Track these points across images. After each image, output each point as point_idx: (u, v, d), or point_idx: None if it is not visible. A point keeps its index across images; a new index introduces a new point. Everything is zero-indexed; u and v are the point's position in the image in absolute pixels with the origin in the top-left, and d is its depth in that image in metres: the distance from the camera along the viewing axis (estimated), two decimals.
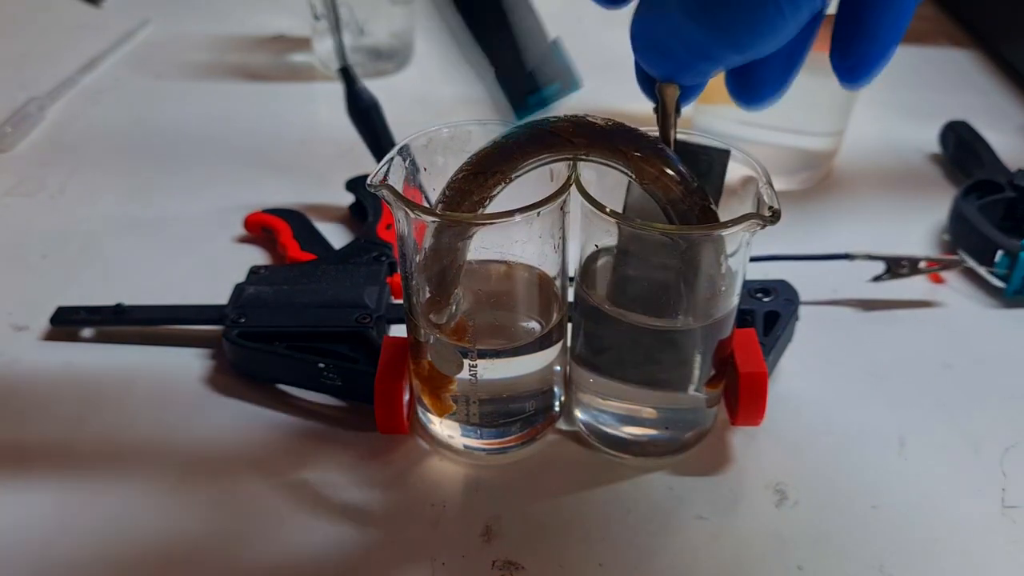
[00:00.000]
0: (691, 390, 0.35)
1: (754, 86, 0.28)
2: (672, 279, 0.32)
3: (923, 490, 0.36)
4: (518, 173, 0.30)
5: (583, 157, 0.30)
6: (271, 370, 0.41)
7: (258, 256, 0.50)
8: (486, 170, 0.30)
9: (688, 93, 0.29)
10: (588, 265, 0.35)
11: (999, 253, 0.46)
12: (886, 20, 0.25)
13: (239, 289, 0.43)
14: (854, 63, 0.26)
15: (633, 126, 0.30)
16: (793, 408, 0.40)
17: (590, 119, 0.30)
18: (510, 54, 0.29)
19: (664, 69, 0.27)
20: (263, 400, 0.40)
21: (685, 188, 0.29)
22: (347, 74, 0.50)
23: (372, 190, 0.31)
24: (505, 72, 0.30)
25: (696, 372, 0.35)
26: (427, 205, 0.33)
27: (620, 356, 0.35)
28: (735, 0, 0.23)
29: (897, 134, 0.63)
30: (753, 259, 0.45)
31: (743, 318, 0.41)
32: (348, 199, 0.53)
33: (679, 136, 0.31)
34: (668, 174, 0.29)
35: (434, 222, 0.31)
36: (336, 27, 0.49)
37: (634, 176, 0.30)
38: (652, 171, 0.29)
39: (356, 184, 0.53)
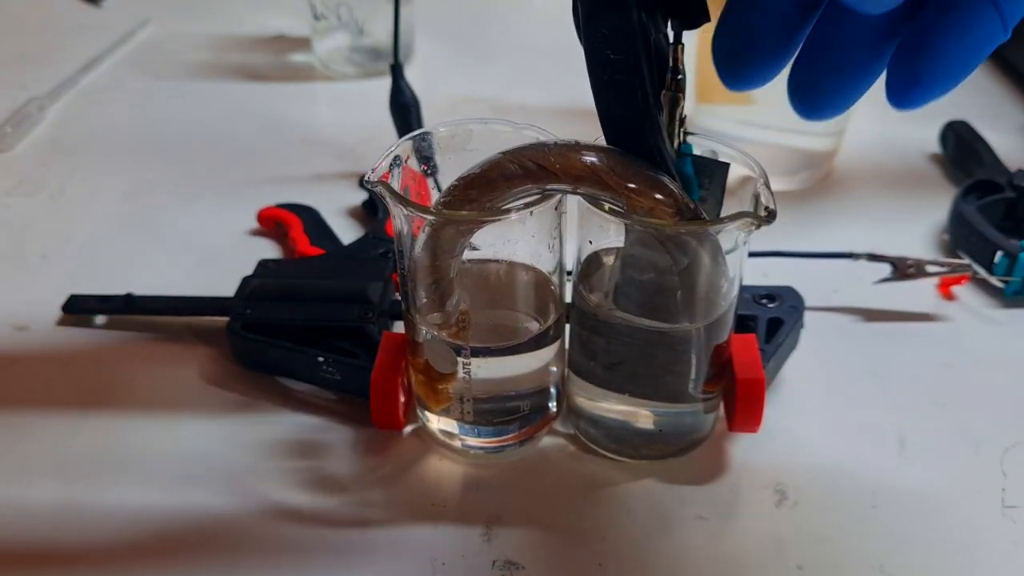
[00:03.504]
0: (688, 394, 0.35)
1: (816, 84, 0.26)
2: (670, 282, 0.32)
3: (923, 490, 0.36)
4: (505, 203, 0.30)
5: (572, 191, 0.30)
6: (273, 363, 0.41)
7: (266, 251, 0.50)
8: (470, 198, 0.29)
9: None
10: (584, 265, 0.35)
11: (998, 254, 0.46)
12: (959, 42, 0.24)
13: (246, 282, 0.43)
14: (909, 76, 0.24)
15: (625, 153, 0.29)
16: (793, 408, 0.40)
17: (580, 149, 0.29)
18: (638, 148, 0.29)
19: None
20: (265, 393, 0.40)
21: (681, 218, 0.29)
22: (395, 70, 0.54)
23: (369, 187, 0.31)
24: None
25: (693, 376, 0.35)
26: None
27: (617, 359, 0.35)
28: None
29: (897, 134, 0.62)
30: (753, 254, 0.45)
31: (745, 324, 0.41)
32: (348, 198, 0.53)
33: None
34: (663, 207, 0.29)
35: (430, 221, 0.30)
36: (396, 27, 0.52)
37: (627, 209, 0.29)
38: (645, 204, 0.28)
39: None
